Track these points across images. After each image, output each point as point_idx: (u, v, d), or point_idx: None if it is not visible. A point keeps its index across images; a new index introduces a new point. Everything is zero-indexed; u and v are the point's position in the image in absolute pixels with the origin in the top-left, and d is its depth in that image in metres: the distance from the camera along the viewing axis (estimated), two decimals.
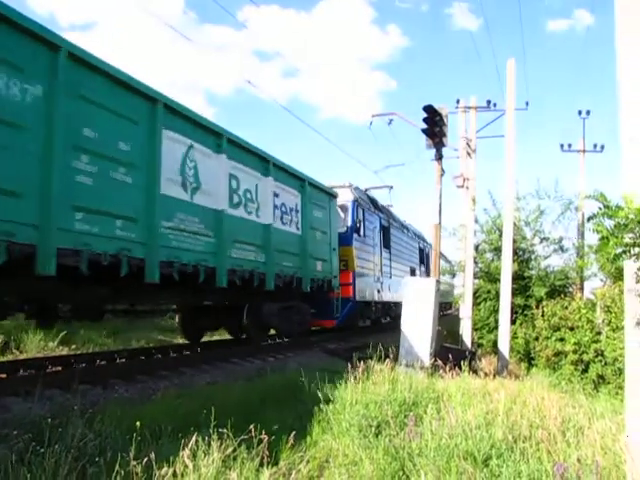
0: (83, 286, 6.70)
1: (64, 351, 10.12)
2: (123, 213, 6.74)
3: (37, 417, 4.14)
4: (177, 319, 11.89)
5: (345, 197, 14.65)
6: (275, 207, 10.73)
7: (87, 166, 6.22)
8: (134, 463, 3.18)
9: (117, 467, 3.19)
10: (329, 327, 14.54)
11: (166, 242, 7.51)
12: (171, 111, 7.74)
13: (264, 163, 10.36)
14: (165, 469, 3.21)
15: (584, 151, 18.37)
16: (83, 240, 6.09)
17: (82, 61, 6.23)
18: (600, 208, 3.75)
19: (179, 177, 7.88)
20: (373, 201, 17.83)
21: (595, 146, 18.44)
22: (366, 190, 17.90)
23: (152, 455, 3.24)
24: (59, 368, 7.69)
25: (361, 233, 15.26)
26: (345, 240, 14.32)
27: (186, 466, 3.32)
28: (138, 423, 3.73)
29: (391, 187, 21.46)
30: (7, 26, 5.31)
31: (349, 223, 14.65)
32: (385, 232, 17.70)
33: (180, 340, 12.69)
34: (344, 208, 14.63)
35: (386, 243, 17.75)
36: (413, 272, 21.24)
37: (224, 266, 8.71)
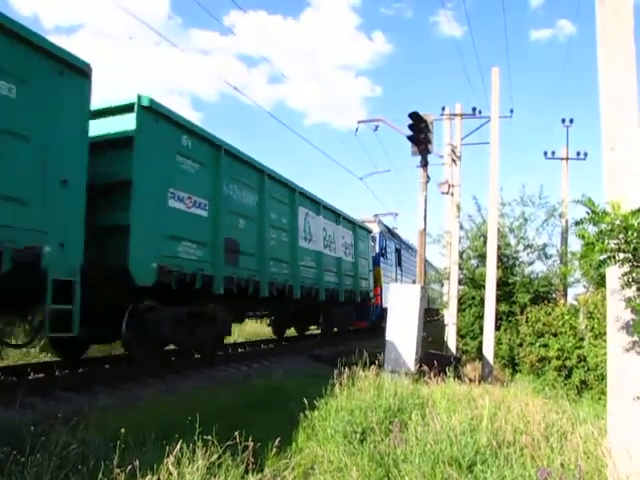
0: (260, 301, 10.70)
1: (47, 357, 9.98)
2: (285, 259, 11.62)
3: (19, 425, 4.07)
4: (269, 321, 15.92)
5: (374, 229, 19.50)
6: (342, 245, 15.70)
7: (273, 235, 11.04)
8: (118, 471, 3.13)
9: (100, 475, 3.15)
10: (364, 327, 19.03)
11: (300, 274, 12.32)
12: (301, 194, 12.64)
13: (337, 216, 15.49)
14: (149, 477, 3.17)
15: (567, 159, 18.50)
16: (273, 277, 10.85)
17: (272, 177, 11.02)
18: (588, 213, 3.79)
19: (303, 233, 12.79)
20: (389, 230, 22.88)
21: (578, 154, 18.57)
22: (376, 215, 22.16)
23: (136, 463, 3.21)
24: (41, 375, 7.59)
25: (385, 257, 20.33)
26: (375, 262, 19.30)
27: (170, 473, 3.29)
28: (122, 430, 3.68)
29: (396, 214, 28.40)
30: (249, 167, 10.20)
31: (377, 250, 19.71)
32: (398, 253, 22.81)
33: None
34: (373, 238, 19.40)
35: (399, 262, 22.86)
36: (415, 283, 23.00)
37: (323, 287, 13.70)
